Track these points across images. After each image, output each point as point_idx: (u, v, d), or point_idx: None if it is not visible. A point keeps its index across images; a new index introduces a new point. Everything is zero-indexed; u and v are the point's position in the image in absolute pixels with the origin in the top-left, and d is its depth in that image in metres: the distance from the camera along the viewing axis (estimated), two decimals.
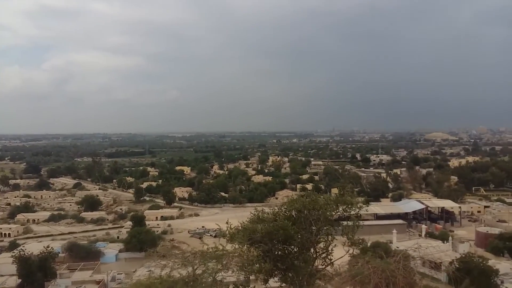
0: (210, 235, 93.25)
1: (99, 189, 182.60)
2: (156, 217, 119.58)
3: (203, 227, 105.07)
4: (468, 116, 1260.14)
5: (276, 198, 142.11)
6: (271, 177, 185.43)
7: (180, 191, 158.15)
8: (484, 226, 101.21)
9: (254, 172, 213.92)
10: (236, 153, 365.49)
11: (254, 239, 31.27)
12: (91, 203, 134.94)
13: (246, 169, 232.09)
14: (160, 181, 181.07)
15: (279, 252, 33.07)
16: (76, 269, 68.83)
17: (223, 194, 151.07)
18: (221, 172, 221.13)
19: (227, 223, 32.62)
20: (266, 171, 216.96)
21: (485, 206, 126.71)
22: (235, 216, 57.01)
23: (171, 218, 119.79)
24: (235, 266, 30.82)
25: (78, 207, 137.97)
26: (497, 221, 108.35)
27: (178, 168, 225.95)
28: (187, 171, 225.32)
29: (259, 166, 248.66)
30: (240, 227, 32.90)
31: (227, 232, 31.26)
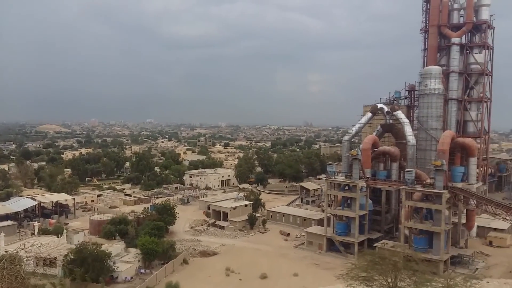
0: None
1: None
2: None
3: None
4: (80, 108, 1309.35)
5: None
6: None
7: None
8: (98, 214, 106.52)
9: None
10: None
11: None
12: None
13: None
14: None
15: None
16: None
17: None
18: None
19: None
20: None
21: (98, 195, 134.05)
22: None
23: None
24: None
25: None
26: (109, 208, 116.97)
27: None
28: None
29: None
30: None
31: None
